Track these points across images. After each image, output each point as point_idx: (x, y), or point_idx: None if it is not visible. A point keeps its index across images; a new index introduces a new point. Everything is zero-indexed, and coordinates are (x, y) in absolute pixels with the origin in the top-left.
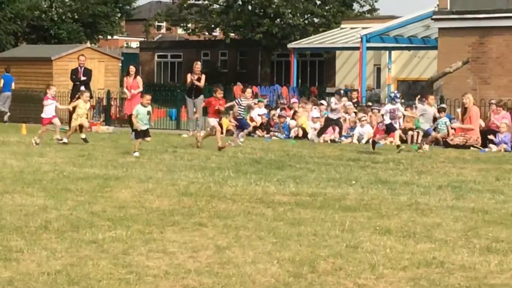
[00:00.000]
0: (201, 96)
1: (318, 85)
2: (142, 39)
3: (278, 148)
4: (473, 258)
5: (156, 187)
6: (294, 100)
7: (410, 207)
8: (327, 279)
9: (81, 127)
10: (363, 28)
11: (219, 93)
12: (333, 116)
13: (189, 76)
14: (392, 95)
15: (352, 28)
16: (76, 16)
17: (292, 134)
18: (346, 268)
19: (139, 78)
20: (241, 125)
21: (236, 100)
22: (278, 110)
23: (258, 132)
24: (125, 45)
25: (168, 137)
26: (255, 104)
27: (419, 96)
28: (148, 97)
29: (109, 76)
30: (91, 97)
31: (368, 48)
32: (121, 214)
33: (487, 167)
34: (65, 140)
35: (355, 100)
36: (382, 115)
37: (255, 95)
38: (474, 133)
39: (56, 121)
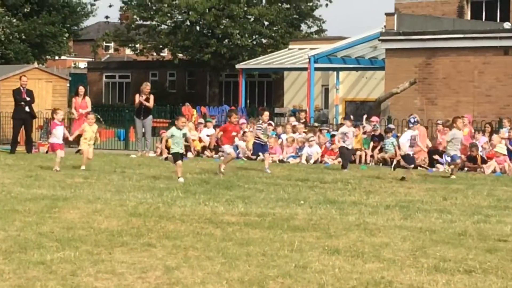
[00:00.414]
0: (150, 117)
1: (266, 106)
2: (90, 59)
3: (227, 168)
4: (421, 278)
5: (104, 207)
6: (242, 120)
7: (358, 227)
8: None
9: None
10: (311, 48)
11: (234, 118)
12: (348, 144)
13: (137, 97)
14: (412, 119)
15: (300, 49)
16: (24, 36)
17: (241, 154)
18: None
19: (87, 98)
20: (263, 150)
21: (257, 125)
22: None
23: (207, 153)
24: (73, 65)
25: (117, 158)
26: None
27: (365, 116)
28: (183, 119)
29: (57, 96)
30: (34, 117)
31: (316, 69)
32: (69, 235)
33: (434, 186)
34: (57, 168)
35: (303, 120)
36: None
37: (203, 116)
38: (421, 153)
39: (60, 153)
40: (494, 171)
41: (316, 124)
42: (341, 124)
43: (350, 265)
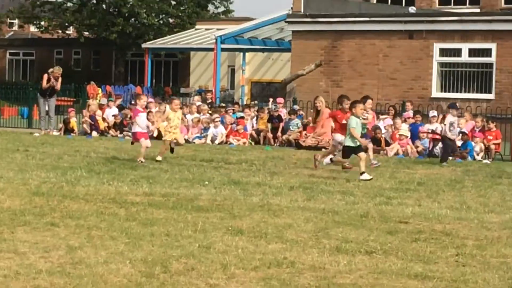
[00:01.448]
0: (55, 96)
1: (172, 86)
2: None
3: (132, 148)
4: (323, 258)
5: (7, 186)
6: (150, 100)
7: (262, 208)
8: (179, 279)
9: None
10: (218, 29)
11: (346, 104)
12: (453, 135)
13: (45, 77)
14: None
15: (207, 29)
16: None
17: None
18: (198, 268)
19: None
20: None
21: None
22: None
23: (112, 132)
24: None
25: (20, 136)
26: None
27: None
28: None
29: None
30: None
31: (223, 50)
32: None
33: (338, 168)
34: (158, 158)
35: (209, 101)
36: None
37: (108, 95)
38: (326, 135)
39: (145, 142)
40: (397, 154)
41: (222, 105)
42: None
43: (253, 245)
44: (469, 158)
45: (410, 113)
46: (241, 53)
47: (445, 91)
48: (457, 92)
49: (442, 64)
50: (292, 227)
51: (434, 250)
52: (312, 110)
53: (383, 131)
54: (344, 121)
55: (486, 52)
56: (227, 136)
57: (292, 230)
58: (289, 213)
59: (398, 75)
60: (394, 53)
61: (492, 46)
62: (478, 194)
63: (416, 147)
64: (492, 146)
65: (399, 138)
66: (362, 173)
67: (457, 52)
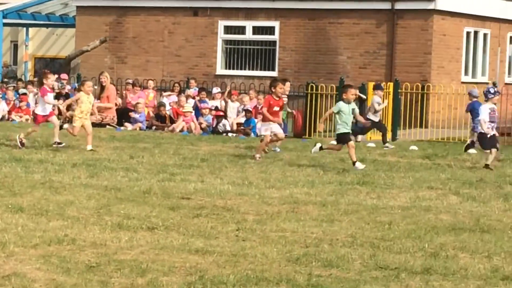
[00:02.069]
0: None
1: None
2: None
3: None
4: (104, 235)
5: None
6: None
7: (43, 185)
8: None
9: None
10: (0, 3)
11: (280, 88)
12: (375, 118)
13: None
14: (492, 89)
15: None
16: None
17: None
18: None
19: None
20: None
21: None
22: None
23: None
24: None
25: None
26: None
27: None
28: (353, 91)
29: None
30: None
31: (5, 24)
32: None
33: (122, 145)
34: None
35: None
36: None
37: None
38: (110, 112)
39: (54, 119)
40: (182, 130)
41: (5, 80)
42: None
43: (34, 223)
44: (252, 134)
45: (194, 90)
46: (24, 28)
47: (229, 69)
48: (241, 69)
49: (226, 42)
50: (74, 204)
51: (215, 226)
52: (97, 86)
53: (168, 107)
54: (276, 108)
55: (270, 30)
56: (9, 112)
57: (73, 207)
58: (71, 190)
59: (183, 52)
60: (179, 30)
61: (276, 24)
62: (260, 170)
63: (200, 123)
64: None
65: (184, 115)
66: (354, 163)
67: (241, 30)
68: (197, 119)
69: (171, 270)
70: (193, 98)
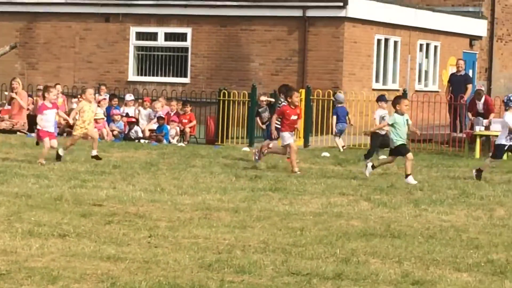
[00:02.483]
0: None
1: None
2: None
3: None
4: (15, 242)
5: None
6: None
7: None
8: None
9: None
10: None
11: (296, 97)
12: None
13: None
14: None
15: None
16: None
17: None
18: None
19: None
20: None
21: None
22: None
23: None
24: None
25: None
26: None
27: None
28: (406, 101)
29: None
30: None
31: None
32: None
33: (33, 152)
34: (60, 151)
35: None
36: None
37: None
38: (21, 118)
39: (53, 142)
40: None
41: None
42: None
43: None
44: (164, 141)
45: (104, 96)
46: None
47: (141, 75)
48: (153, 76)
49: (138, 48)
50: None
51: (127, 232)
52: (7, 93)
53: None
54: (293, 117)
55: (182, 37)
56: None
57: None
58: None
59: (94, 58)
60: (90, 36)
61: (188, 30)
62: (172, 177)
63: (112, 130)
64: (188, 129)
65: (96, 121)
66: (408, 176)
67: (153, 36)
68: (109, 126)
69: (83, 277)
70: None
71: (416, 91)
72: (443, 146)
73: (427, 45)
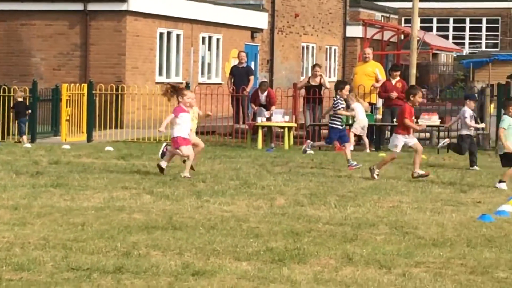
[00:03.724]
0: None
1: None
2: None
3: None
4: None
5: None
6: None
7: None
8: None
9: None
10: None
11: (419, 97)
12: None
13: None
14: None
15: None
16: None
17: None
18: None
19: None
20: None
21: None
22: None
23: None
24: None
25: None
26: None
27: None
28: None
29: None
30: None
31: None
32: None
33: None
34: (186, 174)
35: None
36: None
37: None
38: None
39: (189, 150)
40: None
41: None
42: None
43: None
44: None
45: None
46: None
47: None
48: None
49: None
50: None
51: None
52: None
53: None
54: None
55: None
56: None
57: None
58: None
59: None
60: None
61: None
62: None
63: None
64: None
65: None
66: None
67: None
68: None
69: None
70: None
71: (200, 83)
72: (226, 138)
73: (210, 37)
